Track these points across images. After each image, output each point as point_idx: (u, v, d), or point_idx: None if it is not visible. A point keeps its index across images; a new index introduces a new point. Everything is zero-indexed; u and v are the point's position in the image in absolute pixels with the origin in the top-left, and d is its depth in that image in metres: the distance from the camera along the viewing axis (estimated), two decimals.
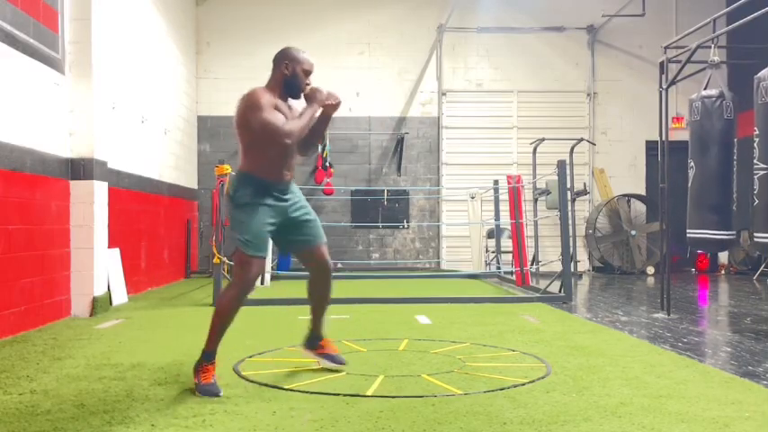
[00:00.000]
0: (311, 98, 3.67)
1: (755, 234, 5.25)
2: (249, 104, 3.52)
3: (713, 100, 5.77)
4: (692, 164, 5.96)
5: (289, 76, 3.65)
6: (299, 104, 3.72)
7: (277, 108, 3.57)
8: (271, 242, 3.73)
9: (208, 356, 3.48)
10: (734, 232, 5.90)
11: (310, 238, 3.76)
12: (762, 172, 5.06)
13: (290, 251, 4.29)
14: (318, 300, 3.92)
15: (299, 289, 8.69)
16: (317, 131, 3.80)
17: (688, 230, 6.02)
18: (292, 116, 3.62)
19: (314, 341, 3.95)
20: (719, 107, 5.74)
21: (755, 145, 5.12)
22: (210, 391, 3.35)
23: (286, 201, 3.65)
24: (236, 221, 3.58)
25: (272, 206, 3.58)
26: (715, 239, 5.83)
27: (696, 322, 5.96)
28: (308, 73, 3.69)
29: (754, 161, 5.14)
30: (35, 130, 5.60)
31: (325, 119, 3.82)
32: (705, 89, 5.90)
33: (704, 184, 5.87)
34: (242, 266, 3.51)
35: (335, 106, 3.75)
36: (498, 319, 6.01)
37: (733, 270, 11.76)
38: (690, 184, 6.01)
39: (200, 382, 3.42)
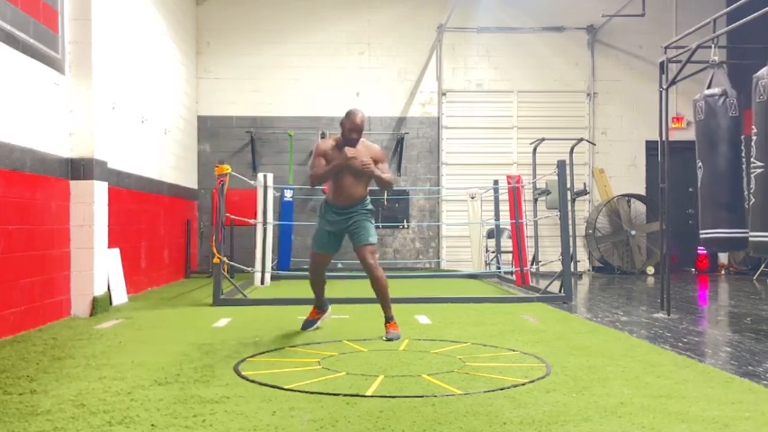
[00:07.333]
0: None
1: (750, 233, 5.21)
2: None
3: (716, 98, 5.71)
4: (700, 164, 5.86)
5: (342, 132, 5.14)
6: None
7: (325, 155, 5.08)
8: (333, 241, 5.19)
9: (316, 303, 5.45)
10: (748, 230, 5.82)
11: (354, 242, 5.18)
12: (759, 170, 5.03)
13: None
14: (372, 286, 5.14)
15: (299, 289, 8.73)
16: (378, 180, 5.16)
17: (701, 231, 5.92)
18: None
19: (385, 322, 5.16)
20: (724, 105, 5.68)
21: (753, 143, 5.10)
22: (307, 325, 5.34)
23: (342, 216, 5.12)
24: None
25: (328, 220, 5.16)
26: (729, 238, 5.73)
27: (696, 322, 5.96)
28: (351, 131, 5.10)
29: (752, 159, 5.11)
30: (35, 130, 5.60)
31: (372, 174, 5.09)
32: (708, 88, 5.85)
33: (714, 182, 5.77)
34: (310, 256, 5.28)
35: (355, 162, 4.99)
36: (498, 319, 6.01)
37: (733, 270, 11.76)
38: (699, 185, 5.92)
39: (306, 318, 5.42)
